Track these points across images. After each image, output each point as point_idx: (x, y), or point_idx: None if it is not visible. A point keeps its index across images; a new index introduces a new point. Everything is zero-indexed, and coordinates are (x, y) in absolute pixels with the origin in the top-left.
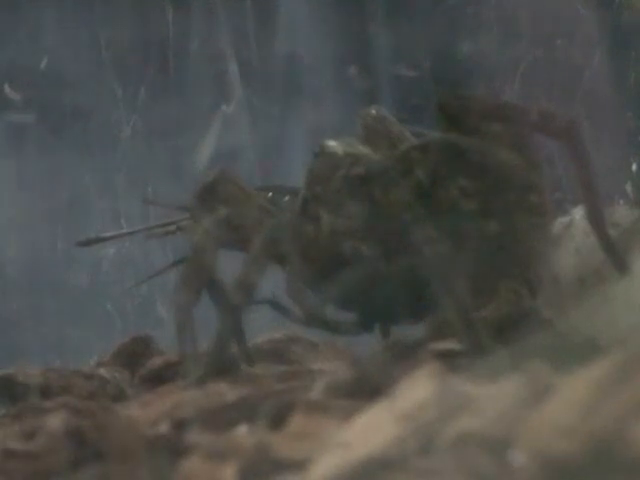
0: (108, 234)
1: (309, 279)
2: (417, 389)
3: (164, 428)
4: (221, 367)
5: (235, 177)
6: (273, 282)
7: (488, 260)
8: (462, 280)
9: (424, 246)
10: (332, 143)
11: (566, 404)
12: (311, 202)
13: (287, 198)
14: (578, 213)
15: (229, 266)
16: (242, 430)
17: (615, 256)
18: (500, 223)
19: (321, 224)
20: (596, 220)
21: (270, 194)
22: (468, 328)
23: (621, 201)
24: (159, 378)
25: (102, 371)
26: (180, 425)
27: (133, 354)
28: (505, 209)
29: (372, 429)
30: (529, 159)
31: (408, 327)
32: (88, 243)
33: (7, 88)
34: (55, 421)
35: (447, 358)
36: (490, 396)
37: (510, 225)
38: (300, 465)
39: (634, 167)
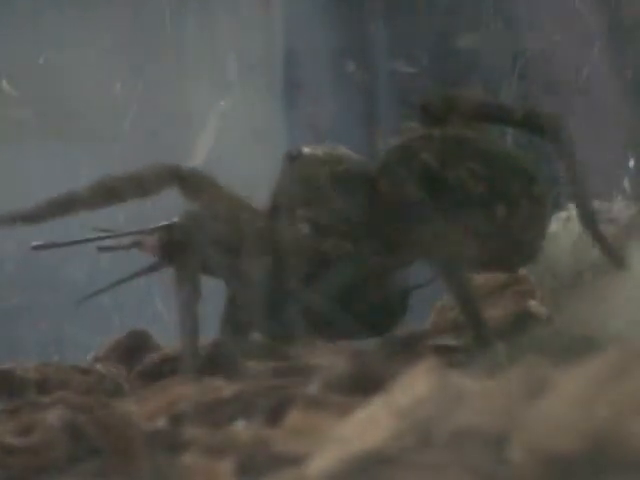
0: (62, 241)
1: (290, 282)
2: (415, 384)
3: (161, 423)
4: (219, 362)
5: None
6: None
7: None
8: (470, 276)
9: (431, 243)
10: (311, 146)
11: (564, 400)
12: (293, 205)
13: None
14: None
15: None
16: (240, 425)
17: (610, 253)
18: (501, 213)
19: (303, 226)
20: (587, 218)
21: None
22: (477, 324)
23: (619, 197)
24: (156, 373)
25: (99, 366)
26: (177, 420)
27: (130, 349)
28: (508, 199)
29: (370, 424)
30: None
31: (405, 325)
32: (42, 247)
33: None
34: (52, 416)
35: (445, 353)
36: (488, 391)
37: (512, 215)
38: (298, 460)
39: (632, 163)
